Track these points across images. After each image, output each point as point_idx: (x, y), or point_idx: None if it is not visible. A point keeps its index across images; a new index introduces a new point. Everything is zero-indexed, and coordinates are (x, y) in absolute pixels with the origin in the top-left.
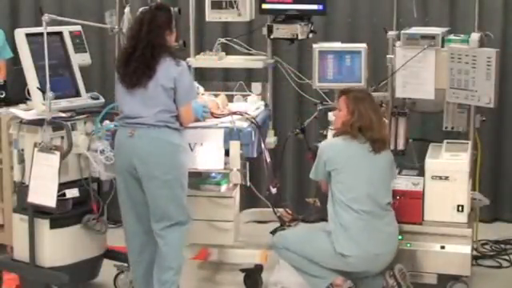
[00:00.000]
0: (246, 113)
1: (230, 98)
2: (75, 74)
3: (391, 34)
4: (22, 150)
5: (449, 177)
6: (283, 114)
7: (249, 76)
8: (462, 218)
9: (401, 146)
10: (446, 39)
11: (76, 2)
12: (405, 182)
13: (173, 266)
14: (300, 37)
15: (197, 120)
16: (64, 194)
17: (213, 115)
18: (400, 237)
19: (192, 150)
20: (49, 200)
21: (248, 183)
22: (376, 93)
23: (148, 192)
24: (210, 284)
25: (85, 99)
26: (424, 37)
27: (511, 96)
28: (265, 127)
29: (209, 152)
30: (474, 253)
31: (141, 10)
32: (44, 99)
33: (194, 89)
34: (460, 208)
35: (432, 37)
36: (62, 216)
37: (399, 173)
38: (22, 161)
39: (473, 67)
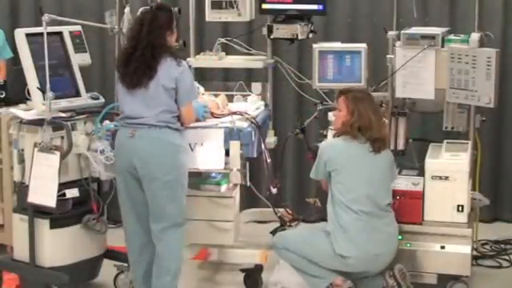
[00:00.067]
0: (246, 113)
1: (230, 98)
2: (75, 74)
3: (391, 33)
4: (22, 149)
5: (449, 177)
6: (283, 114)
7: (249, 76)
8: (462, 217)
9: (401, 146)
10: (446, 39)
11: (76, 2)
12: (405, 182)
13: (170, 268)
14: (300, 37)
15: (197, 120)
16: (64, 194)
17: (213, 115)
18: (400, 237)
19: (192, 150)
20: (49, 200)
21: (248, 183)
22: (376, 93)
23: (148, 192)
24: (210, 284)
25: (85, 99)
26: (424, 37)
27: (511, 96)
28: (265, 127)
29: (209, 152)
30: (474, 253)
31: (141, 10)
32: (44, 99)
33: (195, 88)
34: (460, 208)
35: (432, 37)
36: (61, 216)
37: (399, 173)
38: (22, 161)
39: (473, 67)
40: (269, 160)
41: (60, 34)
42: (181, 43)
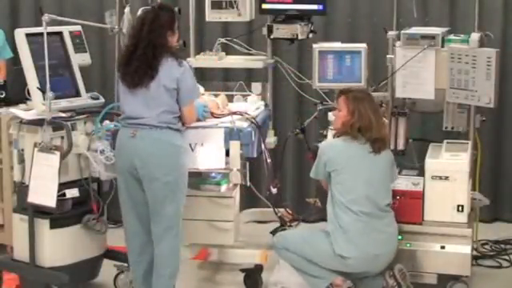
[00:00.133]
0: (246, 113)
1: (230, 98)
2: (75, 74)
3: (391, 33)
4: (22, 150)
5: (449, 177)
6: (283, 114)
7: (249, 76)
8: (462, 217)
9: (401, 146)
10: (446, 39)
11: (76, 2)
12: (405, 182)
13: (168, 268)
14: (300, 37)
15: (197, 120)
16: (64, 194)
17: (213, 115)
18: (400, 237)
19: (193, 150)
20: (49, 200)
21: (248, 183)
22: (376, 93)
23: (148, 192)
24: (210, 284)
25: (85, 99)
26: (424, 37)
27: (511, 96)
28: (265, 127)
29: (210, 152)
30: (474, 253)
31: (142, 9)
32: (44, 99)
33: (196, 88)
34: (460, 208)
35: (432, 37)
36: (61, 216)
37: (399, 173)
38: (22, 161)
39: (473, 67)
40: (269, 160)
41: (60, 33)
42: (181, 43)
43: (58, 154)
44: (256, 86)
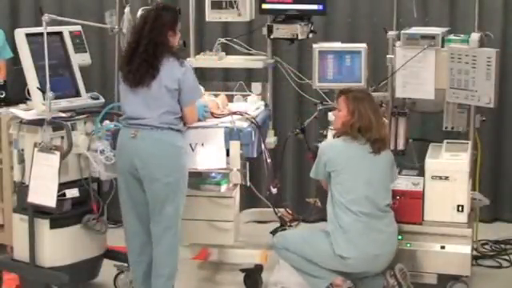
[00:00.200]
0: (246, 113)
1: (230, 98)
2: (75, 74)
3: (391, 33)
4: (22, 150)
5: (449, 177)
6: (283, 114)
7: (249, 76)
8: (462, 217)
9: (401, 146)
10: (446, 39)
11: (76, 2)
12: (405, 182)
13: (166, 269)
14: (300, 37)
15: (198, 120)
16: (64, 194)
17: (213, 115)
18: (400, 237)
19: (193, 150)
20: (49, 200)
21: (248, 183)
22: (376, 93)
23: (149, 193)
24: (210, 284)
25: (85, 99)
26: (424, 37)
27: (511, 96)
28: (265, 127)
29: (210, 152)
30: (474, 253)
31: (144, 8)
32: (44, 99)
33: (198, 88)
34: (460, 208)
35: (432, 37)
36: (61, 216)
37: (399, 173)
38: (22, 161)
39: (473, 67)
40: (269, 160)
41: (60, 33)
42: (181, 43)
43: (57, 153)
44: (256, 86)
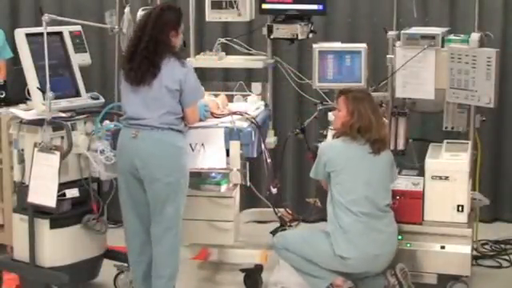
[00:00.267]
0: (246, 113)
1: (230, 98)
2: (75, 74)
3: (391, 33)
4: (22, 150)
5: (449, 177)
6: (283, 114)
7: (249, 76)
8: (462, 217)
9: (401, 146)
10: (446, 39)
11: (76, 2)
12: (405, 182)
13: (166, 269)
14: (300, 37)
15: (199, 120)
16: (64, 194)
17: (213, 115)
18: (400, 237)
19: (193, 150)
20: (49, 200)
21: (248, 183)
22: (376, 93)
23: (149, 193)
24: (210, 284)
25: (85, 99)
26: (424, 37)
27: (511, 96)
28: (265, 127)
29: (210, 152)
30: (474, 253)
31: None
32: (44, 99)
33: (200, 88)
34: (460, 208)
35: (432, 37)
36: (61, 216)
37: (399, 173)
38: (22, 161)
39: (473, 67)
40: (269, 160)
41: (60, 34)
42: (181, 43)
43: (58, 153)
44: (256, 86)
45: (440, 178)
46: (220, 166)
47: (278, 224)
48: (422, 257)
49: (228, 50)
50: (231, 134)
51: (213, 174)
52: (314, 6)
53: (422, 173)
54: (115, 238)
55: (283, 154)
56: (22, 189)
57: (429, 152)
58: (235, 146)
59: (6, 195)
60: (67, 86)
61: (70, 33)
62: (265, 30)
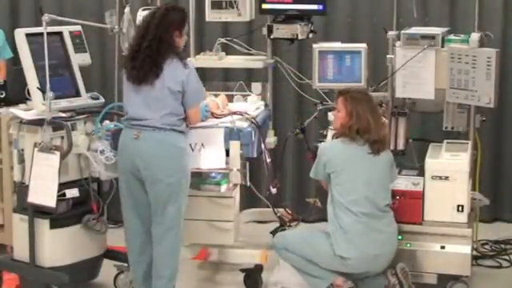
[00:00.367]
0: (246, 113)
1: (230, 98)
2: (75, 74)
3: (391, 33)
4: (22, 150)
5: (449, 177)
6: (283, 114)
7: (249, 76)
8: (462, 217)
9: (401, 146)
10: (446, 39)
11: (76, 2)
12: (405, 182)
13: (167, 270)
14: (300, 37)
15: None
16: (64, 194)
17: (213, 115)
18: (400, 237)
19: (193, 150)
20: (49, 200)
21: (248, 183)
22: (376, 93)
23: (151, 194)
24: (210, 284)
25: (85, 99)
26: (424, 37)
27: (511, 96)
28: (265, 127)
29: (210, 152)
30: (474, 253)
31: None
32: (44, 99)
33: (202, 90)
34: (460, 208)
35: (432, 37)
36: (61, 216)
37: (399, 173)
38: (22, 161)
39: (473, 67)
40: (269, 160)
41: (60, 33)
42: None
43: (58, 153)
44: (256, 86)
45: (440, 177)
46: (220, 166)
47: (277, 224)
48: (421, 257)
49: (228, 49)
50: (231, 134)
51: (213, 174)
52: (314, 6)
53: (421, 173)
54: (115, 238)
55: (283, 154)
56: (22, 189)
57: (429, 152)
58: (235, 146)
59: (5, 195)
60: (67, 86)
61: (70, 33)
62: (265, 30)
